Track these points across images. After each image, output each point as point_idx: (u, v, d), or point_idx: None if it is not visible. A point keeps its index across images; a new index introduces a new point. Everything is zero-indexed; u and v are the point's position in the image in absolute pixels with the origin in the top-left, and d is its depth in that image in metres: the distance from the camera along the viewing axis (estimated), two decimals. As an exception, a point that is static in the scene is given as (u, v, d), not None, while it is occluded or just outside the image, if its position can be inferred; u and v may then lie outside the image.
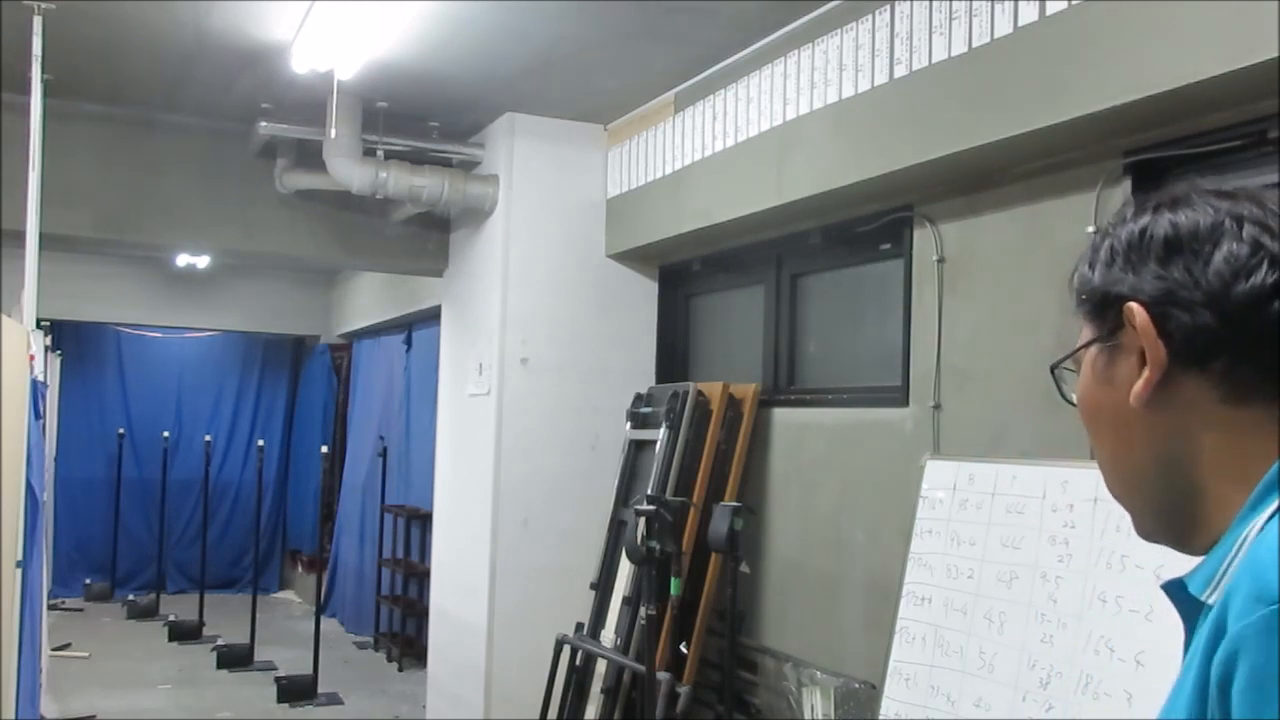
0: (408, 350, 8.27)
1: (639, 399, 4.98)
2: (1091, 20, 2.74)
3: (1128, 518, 0.94)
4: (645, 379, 5.24)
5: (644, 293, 5.35)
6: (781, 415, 4.45)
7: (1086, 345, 0.92)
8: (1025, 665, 2.76)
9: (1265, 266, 0.81)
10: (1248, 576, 0.71)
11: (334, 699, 6.73)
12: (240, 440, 10.79)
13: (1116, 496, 0.94)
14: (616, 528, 4.77)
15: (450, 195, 5.15)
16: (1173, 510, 0.88)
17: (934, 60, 3.26)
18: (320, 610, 7.31)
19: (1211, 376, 0.83)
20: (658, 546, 3.63)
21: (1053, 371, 0.98)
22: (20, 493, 3.12)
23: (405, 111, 5.06)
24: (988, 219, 3.44)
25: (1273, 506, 0.76)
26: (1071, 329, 0.96)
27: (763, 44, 4.11)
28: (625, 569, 4.54)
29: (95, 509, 10.20)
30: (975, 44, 3.10)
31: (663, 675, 4.03)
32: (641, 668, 3.94)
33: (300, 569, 10.39)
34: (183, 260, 8.61)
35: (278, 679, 6.83)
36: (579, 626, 4.74)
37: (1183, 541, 0.89)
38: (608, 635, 4.58)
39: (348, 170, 4.95)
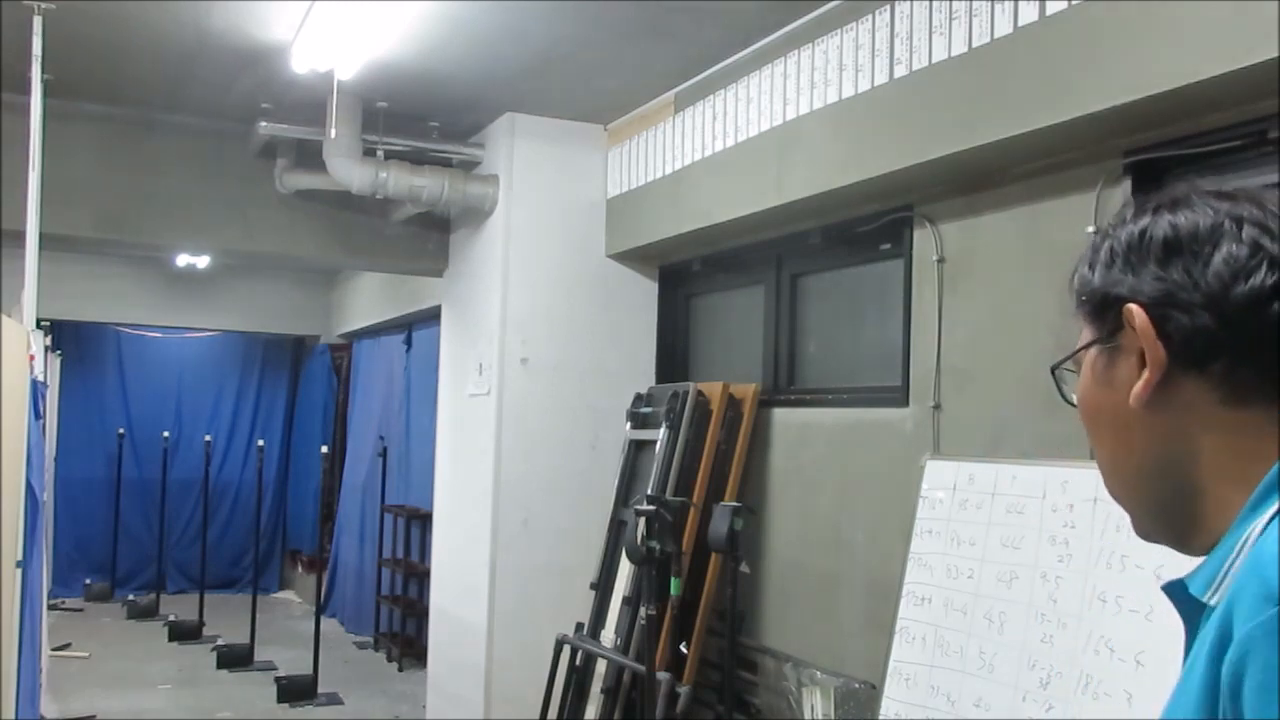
0: (408, 350, 8.27)
1: (639, 399, 4.98)
2: (1091, 20, 2.74)
3: (1127, 518, 0.94)
4: (645, 379, 5.24)
5: (644, 293, 5.35)
6: (781, 415, 4.45)
7: (1086, 346, 0.92)
8: (1025, 665, 2.76)
9: (1265, 268, 0.81)
10: (1253, 577, 0.71)
11: (334, 699, 6.73)
12: (240, 440, 10.79)
13: (1116, 497, 0.94)
14: (616, 528, 4.77)
15: (450, 195, 5.15)
16: (1172, 511, 0.88)
17: (934, 60, 3.26)
18: (320, 610, 7.31)
19: (1211, 378, 0.83)
20: (658, 546, 3.63)
21: (1053, 372, 0.98)
22: (20, 493, 3.12)
23: (405, 111, 5.06)
24: (988, 219, 3.44)
25: (1273, 508, 0.76)
26: (1071, 330, 0.96)
27: (763, 44, 4.11)
28: (625, 569, 4.54)
29: (95, 509, 10.20)
30: (975, 44, 3.10)
31: (663, 675, 4.03)
32: (641, 668, 3.94)
33: (300, 569, 10.39)
34: (183, 260, 8.61)
35: (278, 679, 6.83)
36: (579, 626, 4.74)
37: (1182, 542, 0.89)
38: (608, 635, 4.58)
39: (348, 170, 4.95)
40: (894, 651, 3.16)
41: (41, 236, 3.67)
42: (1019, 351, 3.25)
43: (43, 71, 3.74)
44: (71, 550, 10.10)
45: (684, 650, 4.38)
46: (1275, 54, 2.29)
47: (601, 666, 4.59)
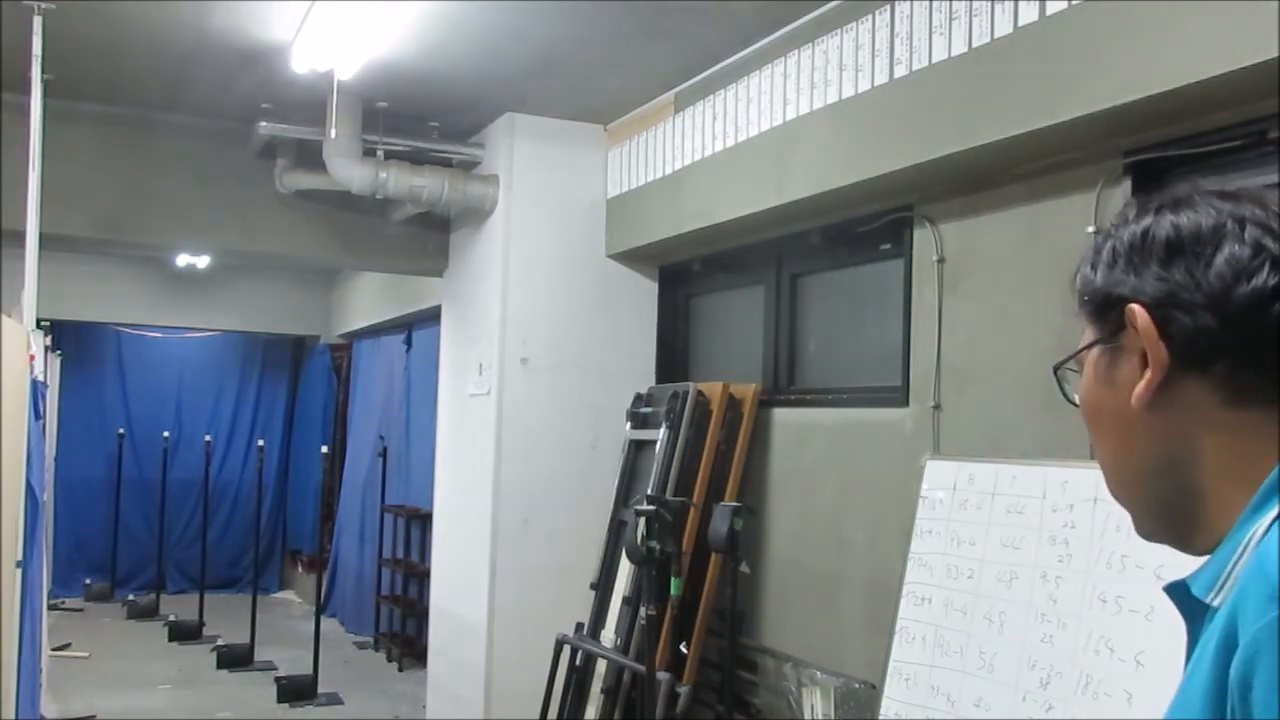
0: (408, 350, 8.27)
1: (639, 399, 4.98)
2: (1091, 20, 2.74)
3: (1128, 518, 0.94)
4: (645, 379, 5.24)
5: (644, 293, 5.35)
6: (781, 415, 4.45)
7: (1088, 346, 0.92)
8: (1025, 665, 2.76)
9: (1267, 269, 0.81)
10: (1258, 578, 0.71)
11: (334, 699, 6.73)
12: (240, 440, 10.80)
13: (1117, 497, 0.94)
14: (616, 528, 4.77)
15: (450, 195, 5.15)
16: (1173, 511, 0.88)
17: (934, 60, 3.26)
18: (320, 610, 7.31)
19: (1213, 379, 0.83)
20: (658, 546, 3.63)
21: (1055, 372, 0.98)
22: (20, 493, 3.12)
23: (405, 111, 5.06)
24: (988, 219, 3.44)
25: (1276, 509, 0.76)
26: (1073, 330, 0.96)
27: (763, 44, 4.11)
28: (625, 569, 4.54)
29: (95, 509, 10.20)
30: (975, 44, 3.10)
31: (663, 675, 4.03)
32: (641, 668, 3.94)
33: (300, 569, 10.39)
34: (183, 260, 8.62)
35: (278, 679, 6.83)
36: (579, 626, 4.74)
37: (1184, 542, 0.89)
38: (608, 635, 4.58)
39: (348, 170, 4.95)
40: (894, 651, 3.16)
41: (41, 236, 3.67)
42: (1019, 351, 3.25)
43: (43, 71, 3.74)
44: (71, 550, 10.11)
45: (684, 650, 4.38)
46: (1275, 54, 2.29)
47: (601, 666, 4.59)
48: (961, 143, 3.16)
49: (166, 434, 10.12)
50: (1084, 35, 2.76)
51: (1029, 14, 2.92)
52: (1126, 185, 2.96)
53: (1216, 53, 2.42)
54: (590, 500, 5.03)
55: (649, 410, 4.85)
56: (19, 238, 3.71)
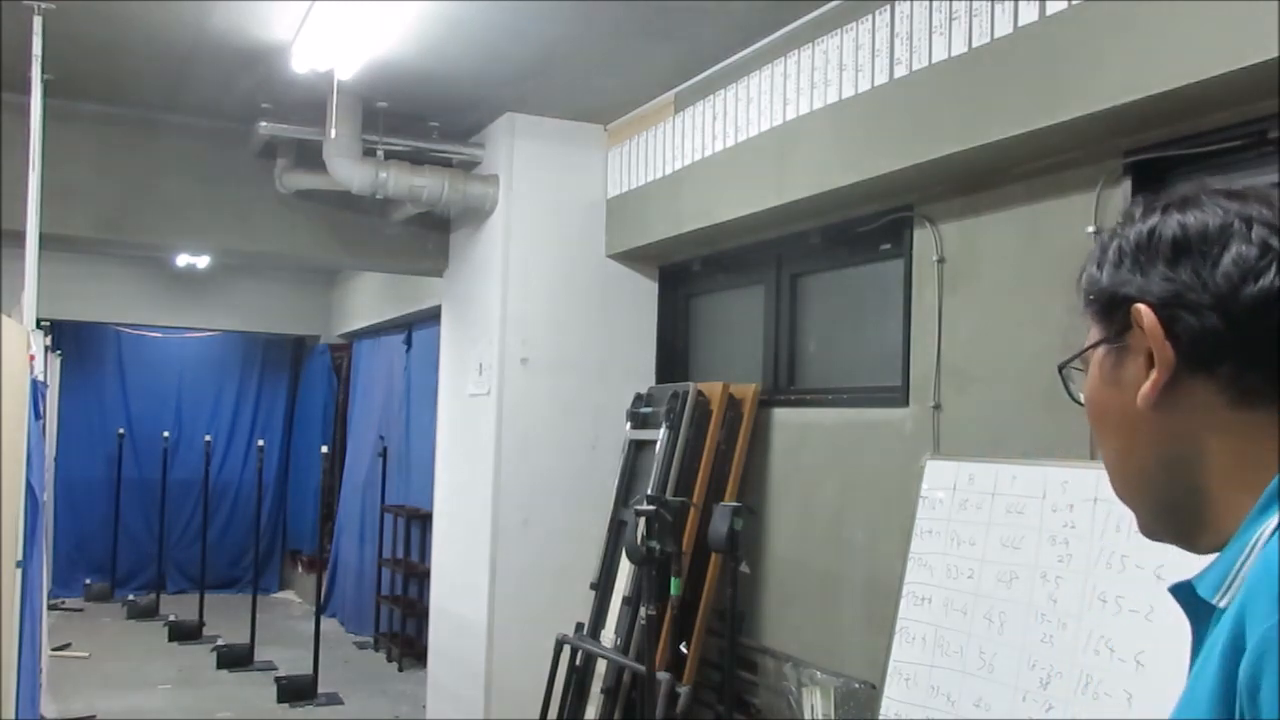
0: (408, 350, 8.27)
1: (639, 399, 4.97)
2: (1091, 20, 2.74)
3: (1128, 518, 0.94)
4: (645, 379, 5.24)
5: (644, 293, 5.35)
6: (781, 415, 4.45)
7: (1094, 346, 0.91)
8: (1025, 665, 2.76)
9: (1274, 269, 0.80)
10: (1266, 579, 0.71)
11: (334, 699, 6.73)
12: (240, 440, 10.79)
13: (1121, 496, 0.93)
14: (616, 528, 4.77)
15: (450, 195, 5.15)
16: (1178, 511, 0.88)
17: (934, 60, 3.26)
18: (320, 610, 7.31)
19: (1219, 380, 0.82)
20: (658, 546, 3.63)
21: (1060, 371, 0.97)
22: (20, 493, 3.12)
23: (405, 111, 5.06)
24: (988, 219, 3.44)
25: None
26: (1075, 329, 0.96)
27: (763, 44, 4.11)
28: (625, 569, 4.54)
29: (95, 509, 10.20)
30: (975, 44, 3.10)
31: (663, 675, 4.03)
32: (641, 668, 3.94)
33: (300, 569, 10.39)
34: (183, 260, 8.61)
35: (278, 679, 6.83)
36: (579, 626, 4.74)
37: (1188, 541, 0.89)
38: (608, 635, 4.58)
39: (348, 170, 4.95)
40: (894, 651, 3.16)
41: (41, 236, 3.67)
42: (1019, 351, 3.25)
43: (43, 71, 3.74)
44: (71, 550, 10.11)
45: (684, 650, 4.38)
46: (1275, 54, 2.29)
47: (601, 666, 4.59)
48: (961, 143, 3.16)
49: (166, 434, 10.13)
50: (1084, 35, 2.76)
51: (1029, 14, 2.92)
52: (1126, 185, 2.96)
53: (1216, 53, 2.42)
54: (590, 500, 5.03)
55: (649, 410, 4.85)
56: (19, 238, 3.71)
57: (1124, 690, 2.50)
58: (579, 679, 4.70)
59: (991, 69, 3.05)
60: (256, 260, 8.24)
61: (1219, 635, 0.73)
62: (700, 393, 4.58)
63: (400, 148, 5.13)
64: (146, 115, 5.25)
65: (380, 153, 5.02)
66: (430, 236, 5.84)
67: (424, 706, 6.06)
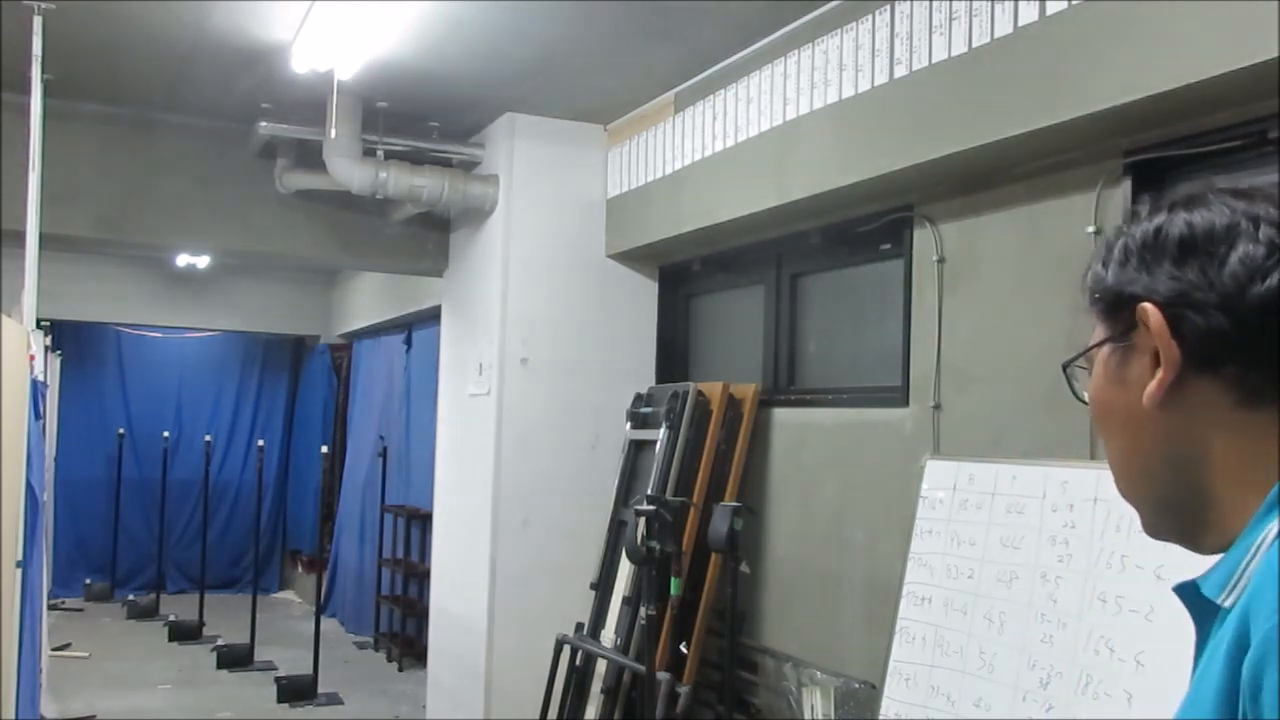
0: (408, 350, 8.27)
1: (639, 399, 4.98)
2: (1091, 20, 2.74)
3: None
4: (645, 379, 5.24)
5: (644, 293, 5.35)
6: (781, 415, 4.45)
7: (1099, 344, 0.91)
8: (1025, 665, 2.76)
9: None
10: (1271, 579, 0.71)
11: (334, 699, 6.73)
12: (240, 440, 10.80)
13: (1125, 495, 0.93)
14: (616, 528, 4.77)
15: (450, 195, 5.15)
16: (1182, 510, 0.87)
17: (934, 60, 3.26)
18: (320, 610, 7.31)
19: (1225, 379, 0.82)
20: (658, 546, 3.63)
21: (1065, 370, 0.97)
22: (20, 493, 3.12)
23: (405, 111, 5.06)
24: (988, 219, 3.44)
25: None
26: (1076, 329, 0.95)
27: (763, 44, 4.11)
28: (625, 569, 4.54)
29: (95, 509, 10.20)
30: (975, 44, 3.10)
31: (663, 675, 4.03)
32: (641, 668, 3.94)
33: (300, 569, 10.39)
34: (183, 260, 8.61)
35: (278, 679, 6.83)
36: (579, 626, 4.74)
37: (1192, 541, 0.89)
38: (608, 635, 4.58)
39: (348, 170, 4.95)
40: (894, 651, 3.16)
41: (41, 236, 3.67)
42: (1019, 351, 3.25)
43: (43, 71, 3.74)
44: (71, 550, 10.11)
45: (684, 650, 4.38)
46: (1275, 54, 2.29)
47: (601, 666, 4.59)
48: (961, 143, 3.16)
49: (166, 434, 10.13)
50: (1084, 35, 2.76)
51: (1029, 14, 2.92)
52: (1126, 185, 2.96)
53: (1216, 53, 2.42)
54: (590, 500, 5.03)
55: (649, 410, 4.85)
56: (19, 238, 3.71)
57: (1124, 690, 2.50)
58: (579, 679, 4.70)
59: (991, 69, 3.05)
60: (256, 260, 8.24)
61: (1224, 635, 0.73)
62: (700, 393, 4.58)
63: (400, 148, 5.13)
64: (146, 115, 5.25)
65: (380, 153, 5.02)
66: (430, 236, 5.84)
67: (424, 706, 6.06)
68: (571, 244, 5.19)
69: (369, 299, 8.84)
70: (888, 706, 3.14)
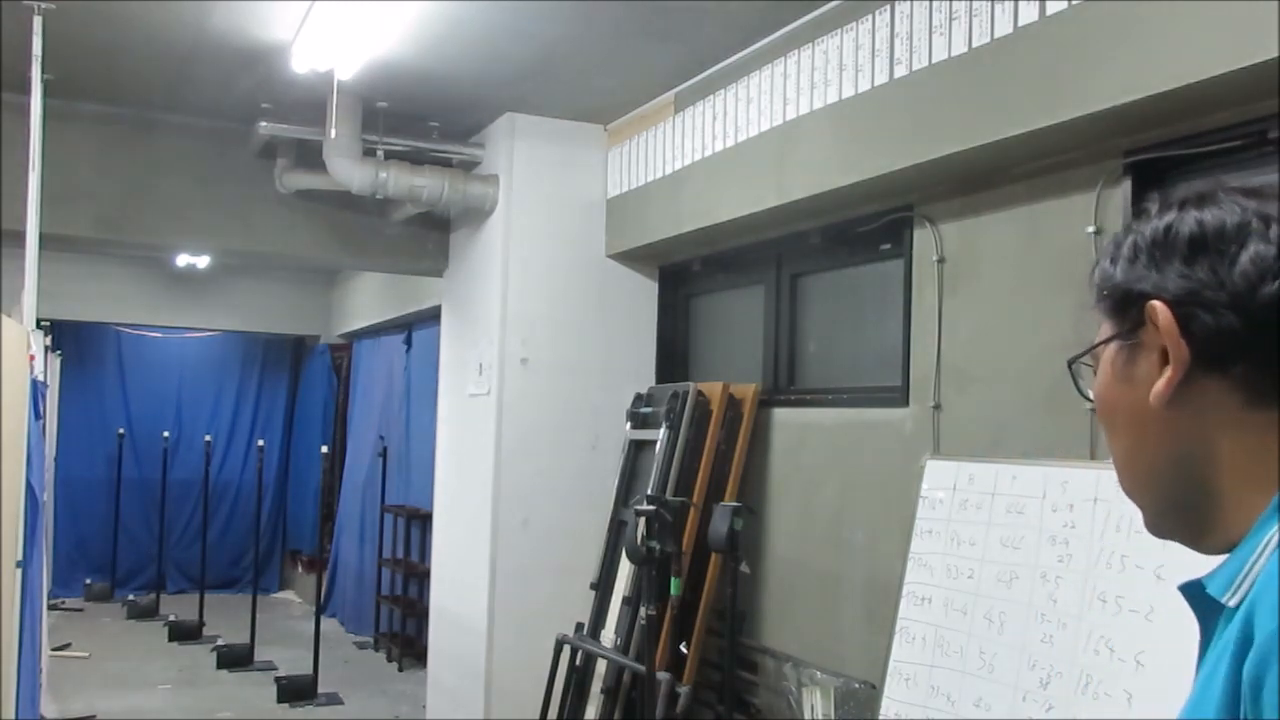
0: (408, 350, 8.27)
1: (639, 399, 4.98)
2: (1091, 20, 2.74)
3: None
4: (645, 379, 5.24)
5: (644, 293, 5.35)
6: (781, 415, 4.45)
7: (1106, 341, 0.90)
8: (1025, 665, 2.76)
9: None
10: (1276, 580, 0.71)
11: (334, 699, 6.73)
12: (240, 440, 10.80)
13: (1129, 494, 0.93)
14: (616, 528, 4.77)
15: (450, 195, 5.15)
16: (1187, 510, 0.87)
17: (934, 60, 3.26)
18: (320, 610, 7.31)
19: (1233, 379, 0.81)
20: (658, 546, 3.63)
21: (1070, 366, 0.97)
22: (20, 493, 3.12)
23: (405, 111, 5.06)
24: (988, 219, 3.44)
25: None
26: (1082, 325, 0.95)
27: (763, 44, 4.11)
28: (625, 569, 4.54)
29: (95, 509, 10.20)
30: (975, 44, 3.10)
31: (663, 675, 4.03)
32: (641, 668, 3.94)
33: (300, 569, 10.39)
34: (183, 260, 8.61)
35: (278, 679, 6.83)
36: (579, 626, 4.74)
37: (1196, 540, 0.88)
38: (608, 635, 4.58)
39: (348, 170, 4.95)
40: (894, 651, 3.16)
41: (41, 236, 3.67)
42: (1019, 351, 3.25)
43: (43, 71, 3.74)
44: (71, 550, 10.11)
45: (684, 650, 4.38)
46: (1275, 54, 2.29)
47: (601, 666, 4.59)
48: (961, 143, 3.16)
49: (166, 434, 10.13)
50: (1084, 35, 2.76)
51: (1029, 14, 2.92)
52: (1126, 185, 2.96)
53: (1216, 53, 2.42)
54: (590, 500, 5.03)
55: (649, 410, 4.85)
56: (19, 238, 3.71)
57: (1124, 690, 2.50)
58: (579, 679, 4.70)
59: (991, 69, 3.05)
60: (256, 260, 8.24)
61: (1230, 635, 0.73)
62: (700, 393, 4.58)
63: (400, 148, 5.13)
64: (146, 115, 5.25)
65: (380, 153, 5.02)
66: (430, 236, 5.84)
67: (424, 706, 6.06)
68: (571, 244, 5.19)
69: (369, 299, 8.84)
70: (888, 706, 3.14)
